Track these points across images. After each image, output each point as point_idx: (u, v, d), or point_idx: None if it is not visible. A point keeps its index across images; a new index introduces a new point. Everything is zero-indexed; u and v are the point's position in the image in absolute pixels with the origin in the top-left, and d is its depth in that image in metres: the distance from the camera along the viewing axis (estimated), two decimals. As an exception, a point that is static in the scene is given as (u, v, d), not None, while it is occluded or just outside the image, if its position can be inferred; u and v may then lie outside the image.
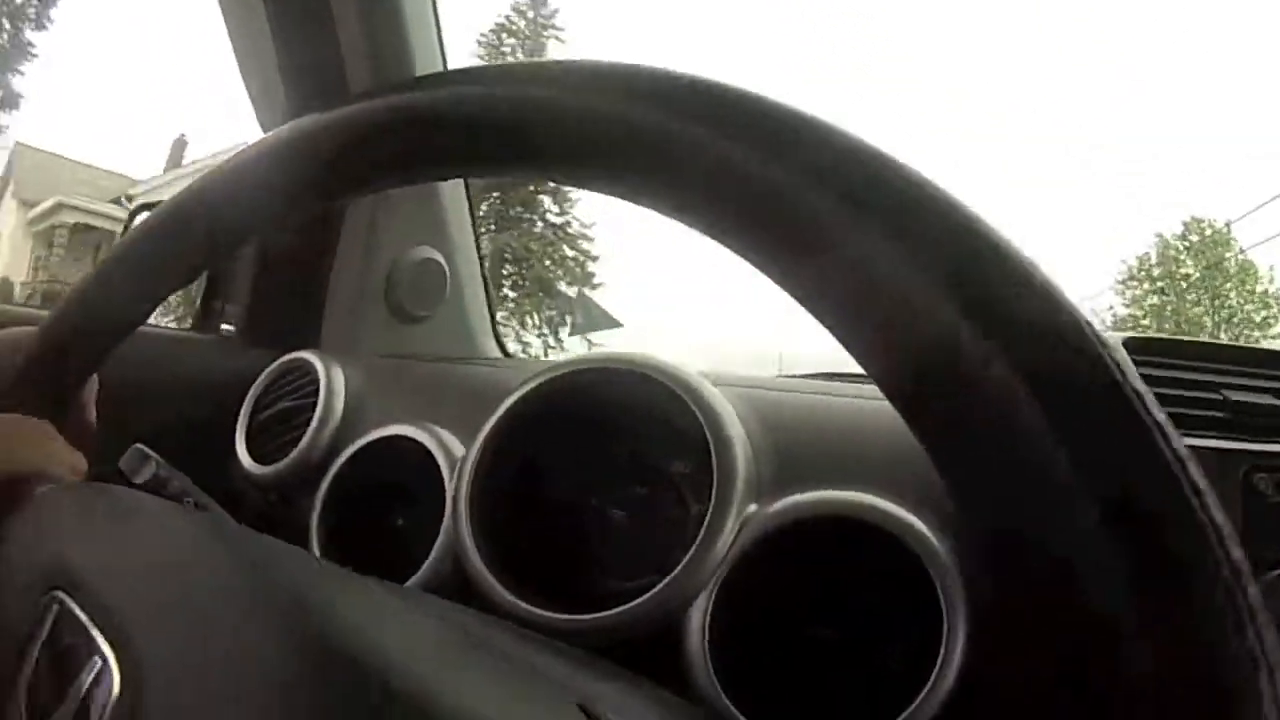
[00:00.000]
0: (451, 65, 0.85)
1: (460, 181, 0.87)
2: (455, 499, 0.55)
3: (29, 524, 0.31)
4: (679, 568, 0.48)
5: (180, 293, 0.96)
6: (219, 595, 0.23)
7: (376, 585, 0.32)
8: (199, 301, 0.91)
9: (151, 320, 0.89)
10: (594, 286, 13.95)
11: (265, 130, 0.86)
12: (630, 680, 0.35)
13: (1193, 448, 0.39)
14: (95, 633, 0.23)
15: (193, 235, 0.36)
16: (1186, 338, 0.63)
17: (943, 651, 0.43)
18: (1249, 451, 0.49)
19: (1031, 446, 0.16)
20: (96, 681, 0.22)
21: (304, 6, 0.77)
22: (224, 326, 0.91)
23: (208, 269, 0.80)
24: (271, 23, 0.78)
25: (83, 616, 0.23)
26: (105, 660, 0.22)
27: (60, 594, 0.25)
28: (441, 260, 0.84)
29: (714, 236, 0.21)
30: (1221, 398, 0.53)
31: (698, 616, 0.48)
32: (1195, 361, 0.56)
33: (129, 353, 0.78)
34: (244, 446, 0.72)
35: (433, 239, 0.84)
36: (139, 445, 0.49)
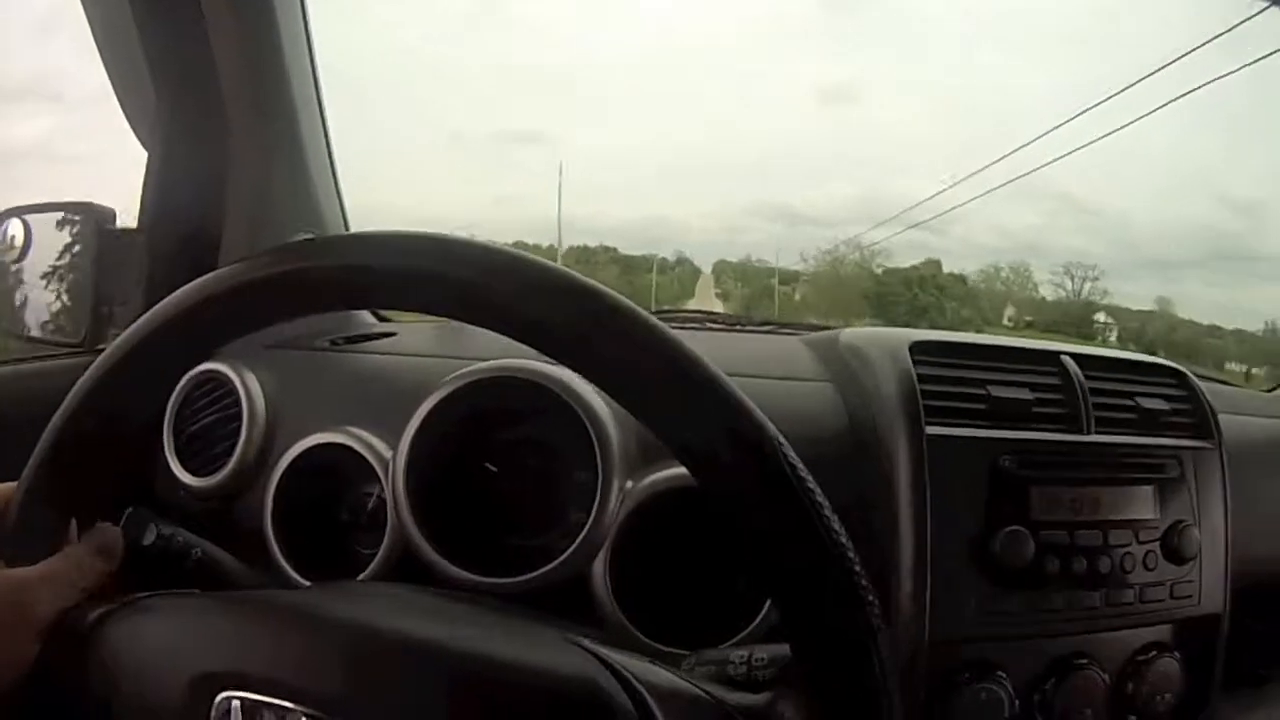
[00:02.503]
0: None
1: (328, 165, 0.93)
2: (395, 497, 0.69)
3: (127, 651, 0.40)
4: (581, 535, 0.64)
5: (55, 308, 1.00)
6: (350, 646, 0.38)
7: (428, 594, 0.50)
8: (89, 314, 0.94)
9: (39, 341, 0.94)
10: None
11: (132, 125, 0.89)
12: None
13: (957, 436, 0.59)
14: (280, 703, 0.35)
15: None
16: (965, 338, 0.78)
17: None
18: (999, 439, 0.68)
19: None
20: None
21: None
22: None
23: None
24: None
25: (263, 698, 0.36)
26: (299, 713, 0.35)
27: (229, 693, 0.36)
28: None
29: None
30: (985, 393, 0.70)
31: (600, 568, 0.65)
32: (969, 360, 0.72)
33: (36, 389, 0.85)
34: (176, 462, 0.81)
35: (309, 221, 0.91)
36: (137, 508, 0.57)
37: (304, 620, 0.40)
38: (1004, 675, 0.66)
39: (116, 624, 0.41)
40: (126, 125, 0.93)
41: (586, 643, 0.40)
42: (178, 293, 0.42)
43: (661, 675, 0.38)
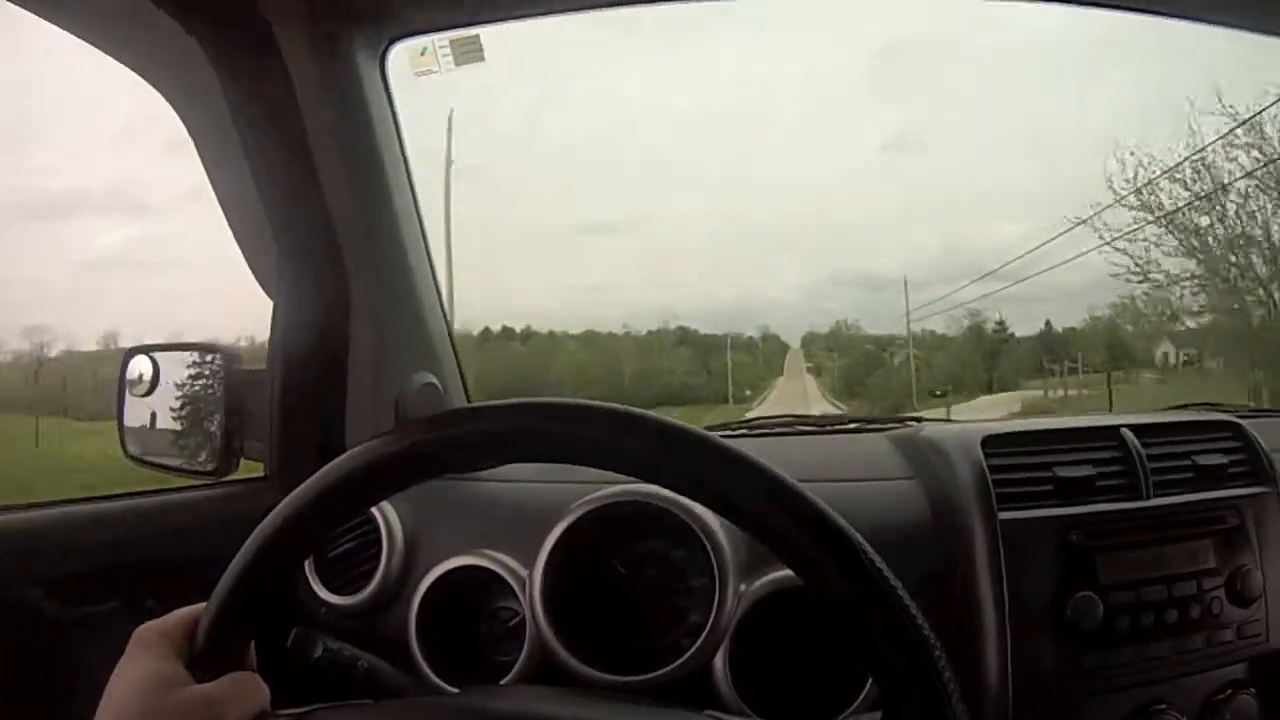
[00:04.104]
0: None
1: (438, 306, 1.06)
2: (533, 611, 0.80)
3: None
4: (703, 635, 0.75)
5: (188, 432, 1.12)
6: None
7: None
8: (221, 447, 1.06)
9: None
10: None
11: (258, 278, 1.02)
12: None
13: (1028, 519, 0.71)
14: None
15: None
16: (1031, 425, 0.88)
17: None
18: (1066, 516, 0.78)
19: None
20: None
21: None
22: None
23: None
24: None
25: None
26: None
27: None
28: (436, 382, 1.03)
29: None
30: (1051, 474, 0.80)
31: (720, 661, 0.76)
32: (1035, 447, 0.83)
33: (182, 520, 0.96)
34: (319, 584, 0.93)
35: (427, 365, 1.04)
36: (302, 627, 0.68)
37: (478, 716, 0.49)
38: None
39: None
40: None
41: (714, 713, 0.51)
42: (367, 445, 0.49)
43: None
